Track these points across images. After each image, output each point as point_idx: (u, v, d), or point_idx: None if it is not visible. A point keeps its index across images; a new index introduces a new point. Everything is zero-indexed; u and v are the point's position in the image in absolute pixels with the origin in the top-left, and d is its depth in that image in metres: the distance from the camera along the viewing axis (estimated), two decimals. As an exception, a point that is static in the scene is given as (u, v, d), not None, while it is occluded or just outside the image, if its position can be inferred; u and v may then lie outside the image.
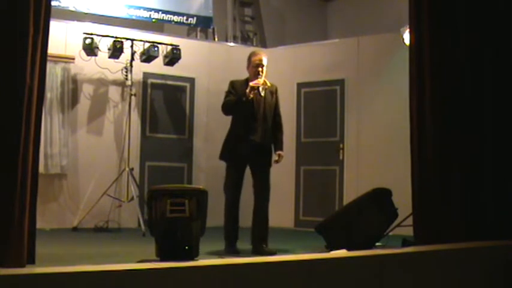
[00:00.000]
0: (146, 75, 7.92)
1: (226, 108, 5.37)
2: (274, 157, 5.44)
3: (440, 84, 4.80)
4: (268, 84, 5.33)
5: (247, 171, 5.42)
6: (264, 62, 5.35)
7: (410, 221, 5.03)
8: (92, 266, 3.12)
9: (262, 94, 5.30)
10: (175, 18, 8.41)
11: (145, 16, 8.14)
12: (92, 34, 7.20)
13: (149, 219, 4.40)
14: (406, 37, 6.28)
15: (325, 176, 8.10)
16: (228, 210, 5.30)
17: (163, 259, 3.91)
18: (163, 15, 8.29)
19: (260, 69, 5.31)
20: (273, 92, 5.44)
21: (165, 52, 7.69)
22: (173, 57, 7.65)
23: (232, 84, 5.41)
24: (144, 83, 7.93)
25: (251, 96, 5.23)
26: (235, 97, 5.29)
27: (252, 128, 5.28)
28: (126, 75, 7.41)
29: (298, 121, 8.28)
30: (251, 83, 5.24)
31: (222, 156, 5.47)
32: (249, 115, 5.28)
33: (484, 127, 5.00)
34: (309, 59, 8.44)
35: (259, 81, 5.25)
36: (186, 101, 8.26)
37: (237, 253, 5.09)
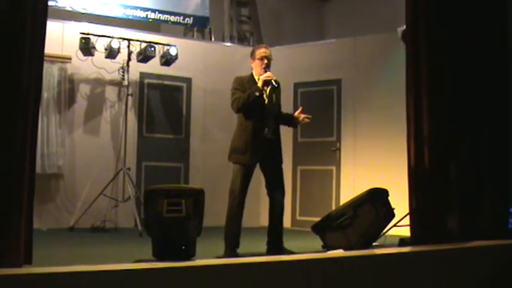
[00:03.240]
0: (143, 75, 7.92)
1: (239, 105, 5.01)
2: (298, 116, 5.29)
3: (437, 84, 4.81)
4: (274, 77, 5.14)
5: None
6: (269, 55, 5.17)
7: (407, 221, 5.03)
8: (89, 266, 3.12)
9: (276, 85, 5.08)
10: (172, 18, 8.40)
11: (142, 16, 8.13)
12: (88, 34, 7.19)
13: (146, 219, 4.40)
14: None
15: (322, 176, 8.11)
16: (237, 214, 5.02)
17: (159, 259, 3.89)
18: (160, 15, 8.28)
19: (266, 61, 5.12)
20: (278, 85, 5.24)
21: (161, 52, 7.69)
22: (170, 57, 7.65)
23: (238, 80, 5.17)
24: (141, 83, 7.92)
25: (266, 89, 5.05)
26: (244, 93, 5.02)
27: (265, 123, 5.08)
28: (123, 75, 7.41)
29: (295, 121, 8.27)
30: (262, 77, 5.03)
31: (233, 158, 5.10)
32: (261, 110, 5.07)
33: (481, 127, 5.01)
34: (306, 59, 8.45)
35: (269, 74, 5.05)
36: (182, 101, 8.26)
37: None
